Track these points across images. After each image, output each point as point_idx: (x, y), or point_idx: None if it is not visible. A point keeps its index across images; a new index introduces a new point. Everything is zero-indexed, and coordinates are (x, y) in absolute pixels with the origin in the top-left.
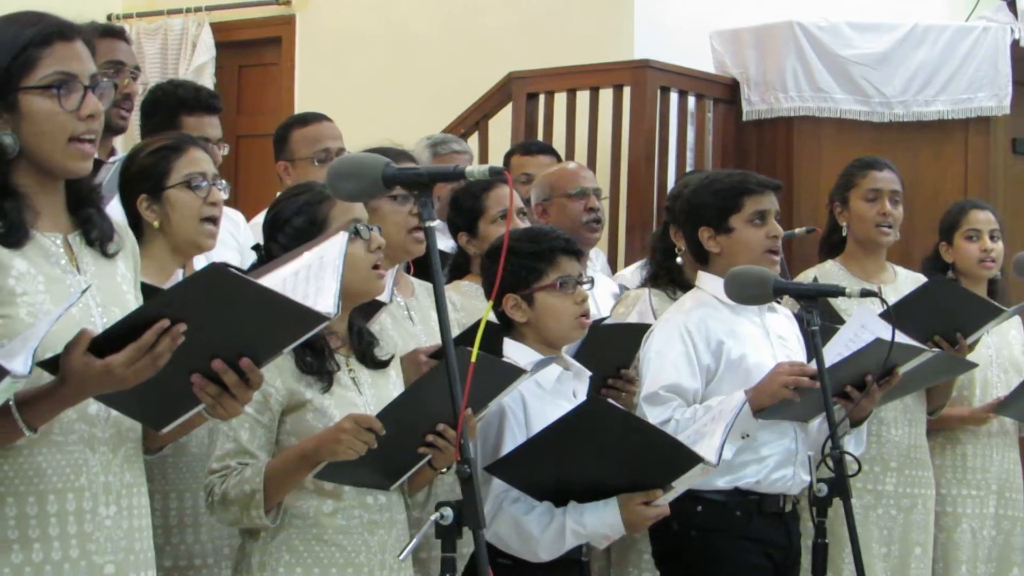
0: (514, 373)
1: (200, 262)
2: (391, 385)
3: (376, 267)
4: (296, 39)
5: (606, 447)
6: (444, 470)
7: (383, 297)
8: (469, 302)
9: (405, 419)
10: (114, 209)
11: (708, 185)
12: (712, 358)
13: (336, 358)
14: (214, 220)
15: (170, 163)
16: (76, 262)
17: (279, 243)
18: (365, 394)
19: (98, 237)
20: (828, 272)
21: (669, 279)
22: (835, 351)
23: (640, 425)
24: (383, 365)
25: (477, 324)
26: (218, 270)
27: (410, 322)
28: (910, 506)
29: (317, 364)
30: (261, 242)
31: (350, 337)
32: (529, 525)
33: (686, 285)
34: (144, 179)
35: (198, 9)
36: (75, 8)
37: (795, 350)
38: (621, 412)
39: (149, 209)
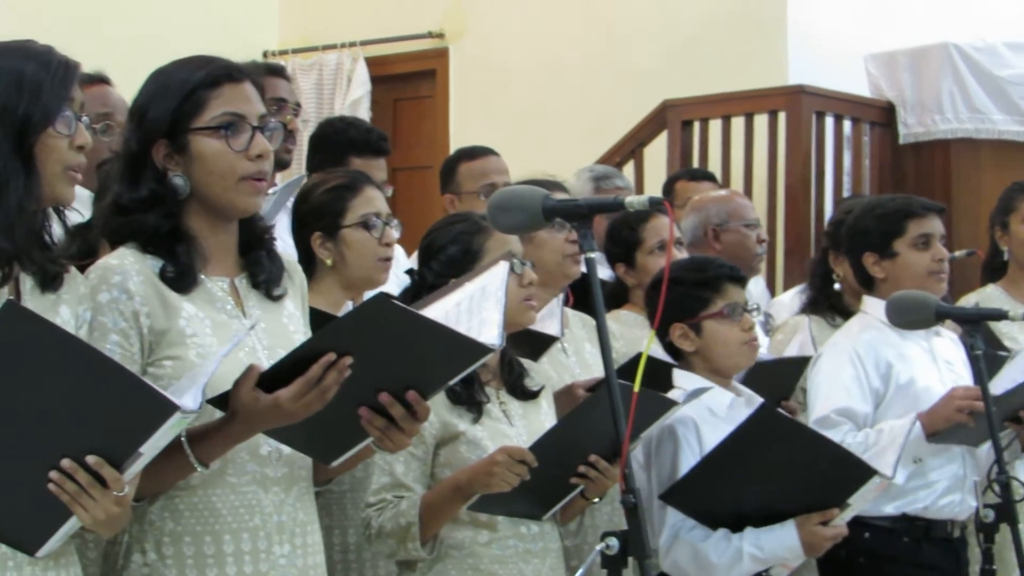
0: (666, 404)
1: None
2: (542, 416)
3: (528, 299)
4: (450, 72)
5: (778, 462)
6: (596, 500)
7: (554, 332)
8: (628, 331)
9: (558, 450)
10: (285, 243)
11: (871, 210)
12: (881, 381)
13: (487, 391)
14: (388, 260)
15: (346, 202)
16: (242, 306)
17: (432, 270)
18: (516, 425)
19: (265, 280)
20: (989, 296)
21: (828, 305)
22: (1010, 376)
23: (811, 435)
24: (533, 396)
25: (635, 359)
26: (383, 303)
27: (564, 354)
28: None
29: (467, 394)
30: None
31: (501, 369)
32: (707, 551)
33: (845, 311)
34: (319, 217)
35: (353, 44)
36: (231, 46)
37: (962, 374)
38: (791, 421)
39: (323, 247)
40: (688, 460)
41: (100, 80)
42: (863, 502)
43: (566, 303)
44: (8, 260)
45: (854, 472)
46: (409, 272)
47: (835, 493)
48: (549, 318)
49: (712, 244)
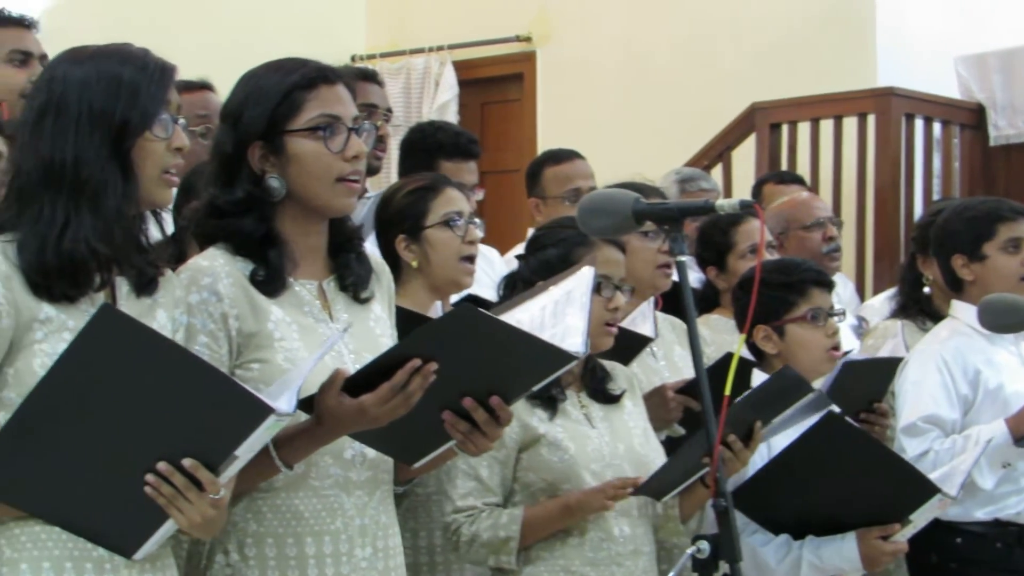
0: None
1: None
2: (625, 417)
3: (609, 324)
4: (538, 75)
5: (843, 471)
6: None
7: (648, 333)
8: (719, 336)
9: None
10: (371, 247)
11: (961, 212)
12: (969, 388)
13: (567, 394)
14: (472, 259)
15: (427, 203)
16: (329, 310)
17: (530, 265)
18: (598, 427)
19: (352, 283)
20: None
21: (919, 309)
22: None
23: (876, 447)
24: (615, 400)
25: (723, 359)
26: (468, 311)
27: (653, 358)
28: None
29: (546, 396)
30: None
31: (583, 372)
32: (766, 555)
33: (935, 315)
34: (402, 219)
35: (440, 48)
36: (319, 50)
37: None
38: (858, 431)
39: (408, 249)
40: (756, 463)
41: (203, 87)
42: (924, 519)
43: (655, 306)
44: (107, 264)
45: (918, 488)
46: (518, 256)
47: (898, 507)
48: (642, 320)
49: (778, 253)
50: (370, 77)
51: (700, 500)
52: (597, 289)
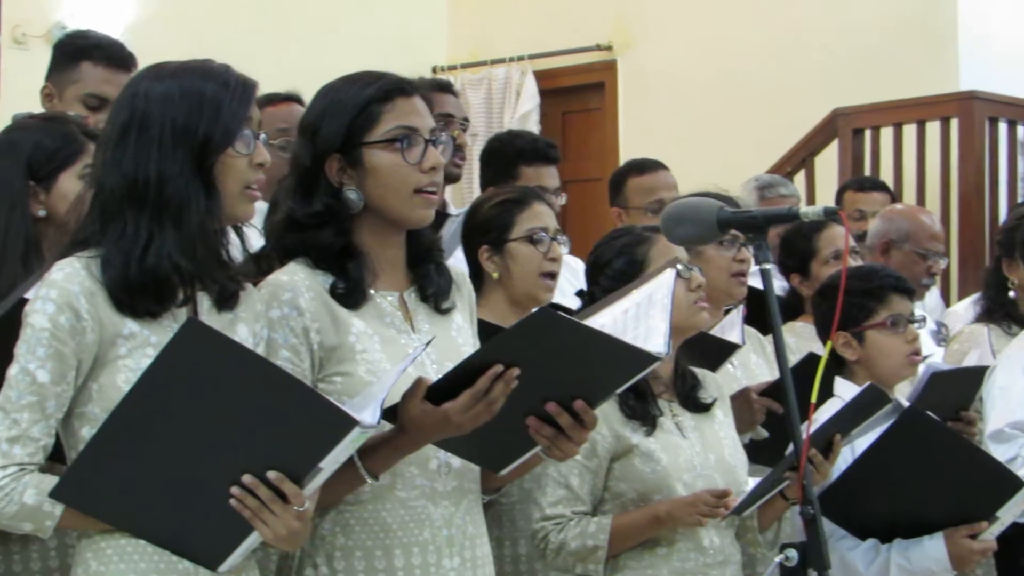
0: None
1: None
2: (716, 427)
3: (697, 303)
4: (618, 84)
5: (926, 469)
6: (795, 500)
7: (737, 339)
8: (803, 343)
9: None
10: (454, 258)
11: None
12: None
13: (659, 403)
14: (553, 275)
15: (513, 216)
16: (411, 320)
17: (600, 286)
18: (689, 437)
19: (433, 293)
20: None
21: (1004, 314)
22: None
23: (958, 441)
24: (706, 408)
25: (803, 363)
26: (549, 314)
27: (730, 365)
28: None
29: (640, 408)
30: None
31: (674, 381)
32: (855, 560)
33: (1021, 319)
34: (487, 230)
35: (521, 58)
36: (401, 61)
37: None
38: (939, 426)
39: (490, 260)
40: (839, 466)
41: (290, 99)
42: (1011, 515)
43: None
44: (189, 280)
45: (1003, 483)
46: (579, 293)
47: (984, 504)
48: (731, 328)
49: (879, 256)
50: (445, 87)
51: (778, 511)
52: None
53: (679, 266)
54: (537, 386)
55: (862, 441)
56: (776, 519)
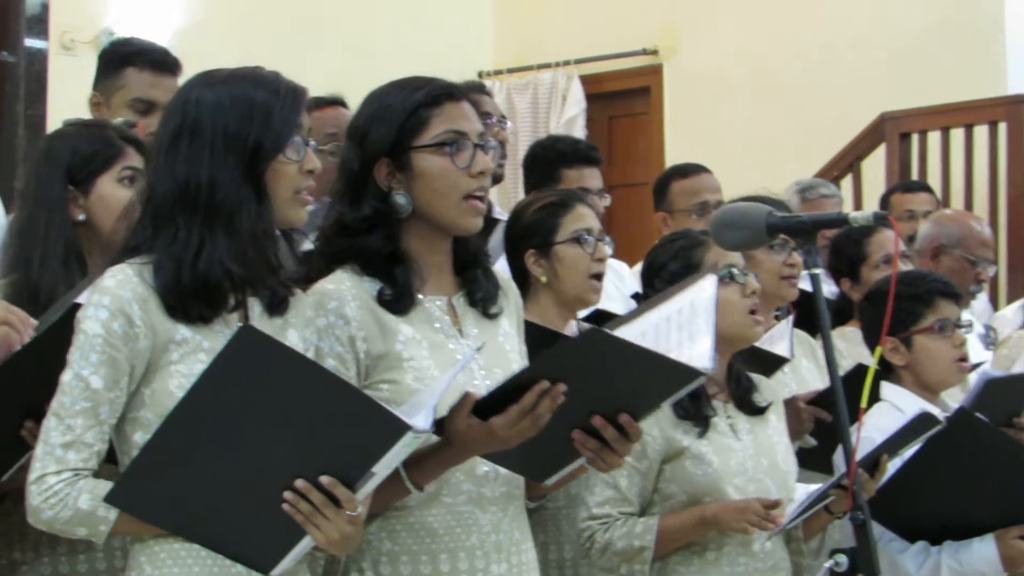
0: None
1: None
2: (770, 429)
3: (753, 312)
4: (664, 88)
5: (975, 469)
6: (840, 515)
7: (785, 353)
8: (854, 348)
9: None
10: (499, 264)
11: None
12: None
13: (714, 404)
14: (600, 276)
15: (558, 219)
16: (459, 325)
17: (655, 289)
18: (743, 440)
19: (482, 298)
20: None
21: None
22: None
23: (1006, 441)
24: (761, 411)
25: (853, 371)
26: (597, 334)
27: (782, 371)
28: None
29: (694, 410)
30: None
31: (728, 383)
32: (905, 563)
33: None
34: (532, 235)
35: (567, 62)
36: (447, 67)
37: None
38: (986, 426)
39: (536, 264)
40: (888, 469)
41: (335, 102)
42: None
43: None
44: (241, 285)
45: None
46: (635, 296)
47: None
48: (779, 339)
49: (928, 260)
50: (479, 88)
51: (822, 523)
52: (731, 277)
53: (735, 271)
54: (583, 400)
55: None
56: (820, 530)
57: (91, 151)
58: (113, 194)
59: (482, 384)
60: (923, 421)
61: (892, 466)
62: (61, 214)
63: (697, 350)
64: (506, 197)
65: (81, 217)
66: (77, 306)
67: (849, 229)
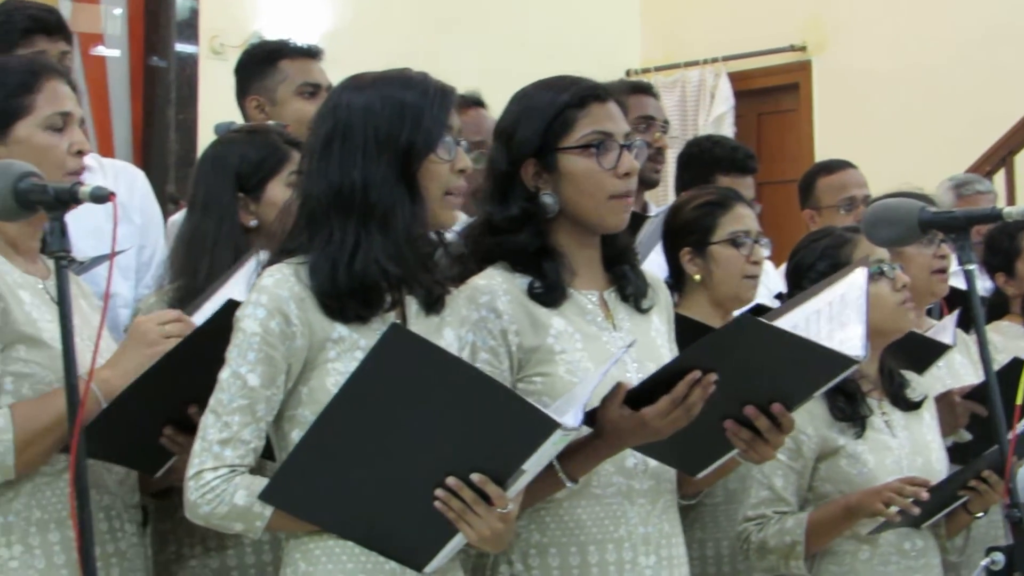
0: None
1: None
2: (924, 427)
3: (904, 303)
4: (813, 84)
5: None
6: (980, 515)
7: (948, 340)
8: (1009, 342)
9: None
10: (650, 262)
11: None
12: None
13: (868, 401)
14: (755, 277)
15: (716, 219)
16: (612, 319)
17: (803, 289)
18: (899, 436)
19: (633, 293)
20: None
21: None
22: None
23: None
24: (915, 407)
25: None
26: (749, 321)
27: (935, 367)
28: None
29: (850, 409)
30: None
31: (881, 379)
32: None
33: None
34: (689, 232)
35: (715, 60)
36: (595, 65)
37: None
38: None
39: (692, 262)
40: None
41: (474, 103)
42: None
43: (940, 316)
44: (397, 284)
45: None
46: (779, 296)
47: None
48: (943, 329)
49: None
50: (645, 89)
51: (962, 523)
52: (881, 272)
53: (884, 266)
54: (735, 390)
55: None
56: (962, 529)
57: (260, 157)
58: (283, 197)
59: (635, 378)
60: None
61: None
62: (231, 221)
63: (849, 339)
64: (654, 192)
65: (253, 223)
66: (235, 305)
67: (1003, 224)
